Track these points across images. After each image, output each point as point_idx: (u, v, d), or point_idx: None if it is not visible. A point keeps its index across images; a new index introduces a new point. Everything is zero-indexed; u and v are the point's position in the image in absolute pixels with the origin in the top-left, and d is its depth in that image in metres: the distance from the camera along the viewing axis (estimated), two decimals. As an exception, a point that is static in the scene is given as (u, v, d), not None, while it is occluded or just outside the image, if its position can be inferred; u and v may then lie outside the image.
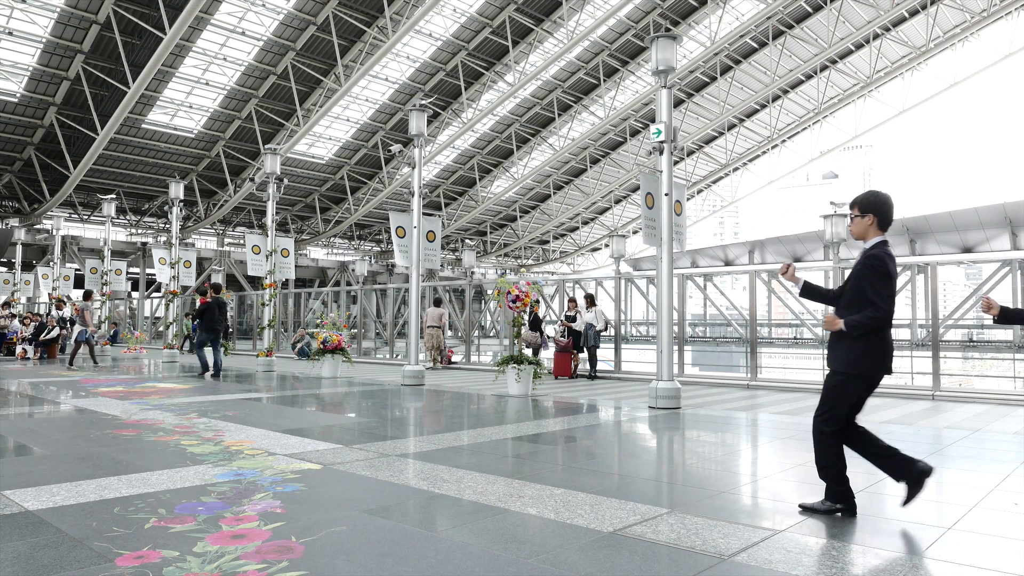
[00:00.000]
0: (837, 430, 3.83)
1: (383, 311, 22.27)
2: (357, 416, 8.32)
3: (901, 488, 3.88)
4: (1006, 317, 3.75)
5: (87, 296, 16.14)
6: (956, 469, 5.40)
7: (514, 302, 10.47)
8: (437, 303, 16.42)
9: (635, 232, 47.69)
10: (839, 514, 3.86)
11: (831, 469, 3.88)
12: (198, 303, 13.90)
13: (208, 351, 13.07)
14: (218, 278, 27.31)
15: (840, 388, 3.80)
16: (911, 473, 3.76)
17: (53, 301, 23.65)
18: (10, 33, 24.63)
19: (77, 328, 15.35)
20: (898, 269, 4.04)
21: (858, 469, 5.38)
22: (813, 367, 16.73)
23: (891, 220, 3.93)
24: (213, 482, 4.54)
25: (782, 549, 3.31)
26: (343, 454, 5.54)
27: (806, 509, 3.94)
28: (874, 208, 3.88)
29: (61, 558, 3.09)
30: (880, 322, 3.68)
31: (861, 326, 3.69)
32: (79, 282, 28.77)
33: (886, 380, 3.98)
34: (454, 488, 4.44)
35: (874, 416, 8.17)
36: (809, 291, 4.11)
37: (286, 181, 17.36)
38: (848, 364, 3.77)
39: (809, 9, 34.49)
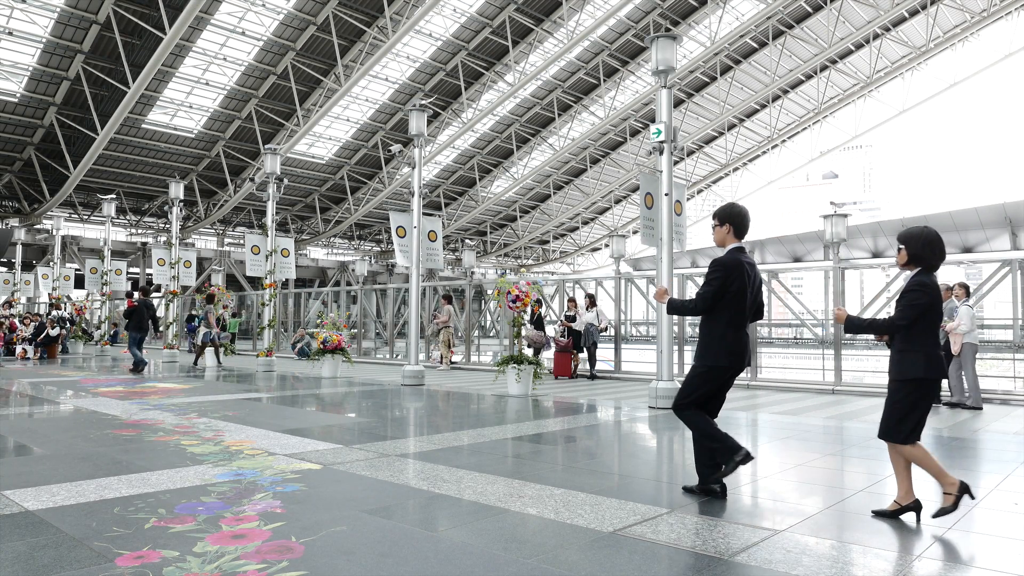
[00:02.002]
0: (693, 410, 4.25)
1: (383, 311, 22.27)
2: (357, 416, 8.32)
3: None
4: (852, 325, 3.96)
5: (210, 299, 16.63)
6: (956, 469, 5.39)
7: (514, 302, 10.47)
8: (448, 299, 16.35)
9: (635, 232, 47.67)
10: (737, 464, 4.10)
11: (711, 439, 4.21)
12: (126, 305, 15.13)
13: (135, 349, 14.12)
14: (218, 278, 27.25)
15: (691, 376, 4.27)
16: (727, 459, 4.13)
17: (52, 301, 23.69)
18: (10, 33, 24.63)
19: (203, 330, 16.06)
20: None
21: (858, 469, 5.38)
22: (813, 367, 16.72)
23: (746, 229, 4.36)
24: (213, 482, 4.54)
25: (782, 549, 3.31)
26: (343, 454, 5.54)
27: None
28: (730, 219, 4.32)
29: (61, 558, 3.09)
30: (687, 311, 4.32)
31: (674, 306, 4.38)
32: (79, 282, 28.79)
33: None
34: (454, 488, 4.44)
35: (874, 416, 8.17)
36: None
37: (286, 181, 17.36)
38: (701, 356, 4.23)
39: (809, 9, 34.49)
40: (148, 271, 34.84)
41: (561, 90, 37.14)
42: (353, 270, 34.17)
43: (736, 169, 48.26)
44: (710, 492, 4.23)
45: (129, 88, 25.04)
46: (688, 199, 39.99)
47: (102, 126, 26.92)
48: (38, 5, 23.85)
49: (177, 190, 19.13)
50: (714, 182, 49.98)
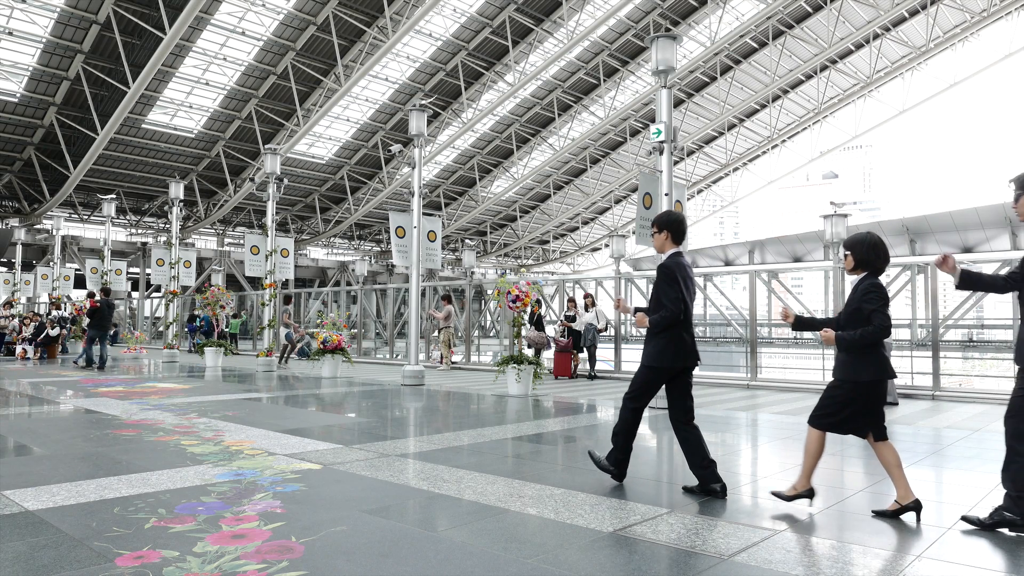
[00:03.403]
0: (640, 407, 4.52)
1: (383, 311, 22.27)
2: (357, 416, 8.32)
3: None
4: (800, 324, 4.19)
5: (287, 301, 16.95)
6: (956, 469, 5.39)
7: (514, 302, 10.47)
8: (448, 299, 16.35)
9: (635, 232, 47.61)
10: (610, 475, 4.56)
11: (620, 436, 4.56)
12: (88, 305, 15.84)
13: (95, 347, 14.72)
14: (218, 278, 27.26)
15: (644, 377, 4.50)
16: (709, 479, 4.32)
17: (52, 301, 23.69)
18: (10, 33, 24.63)
19: (284, 330, 16.91)
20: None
21: (858, 469, 5.38)
22: (813, 367, 16.72)
23: (684, 235, 4.63)
24: (213, 482, 4.54)
25: (782, 549, 3.32)
26: (343, 454, 5.54)
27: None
28: (668, 225, 4.59)
29: (61, 558, 3.09)
30: (671, 320, 4.35)
31: (657, 324, 4.40)
32: (79, 282, 28.81)
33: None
34: (454, 488, 4.44)
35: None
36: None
37: (286, 181, 17.36)
38: (651, 358, 4.45)
39: (809, 9, 34.49)
40: (148, 271, 34.87)
41: (561, 90, 37.15)
42: (353, 270, 34.17)
43: (736, 169, 48.27)
44: (711, 492, 4.30)
45: (129, 88, 25.05)
46: (688, 199, 39.92)
47: (102, 126, 26.93)
48: (38, 5, 23.86)
49: (177, 190, 19.13)
50: (714, 182, 49.99)
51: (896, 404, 9.44)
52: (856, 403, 3.88)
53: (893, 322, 3.92)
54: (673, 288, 4.36)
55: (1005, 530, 3.59)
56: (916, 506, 3.80)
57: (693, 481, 4.42)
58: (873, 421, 3.93)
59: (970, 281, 3.92)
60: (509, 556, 3.17)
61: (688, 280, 4.46)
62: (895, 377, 4.06)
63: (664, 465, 5.80)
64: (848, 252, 4.03)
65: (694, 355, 4.44)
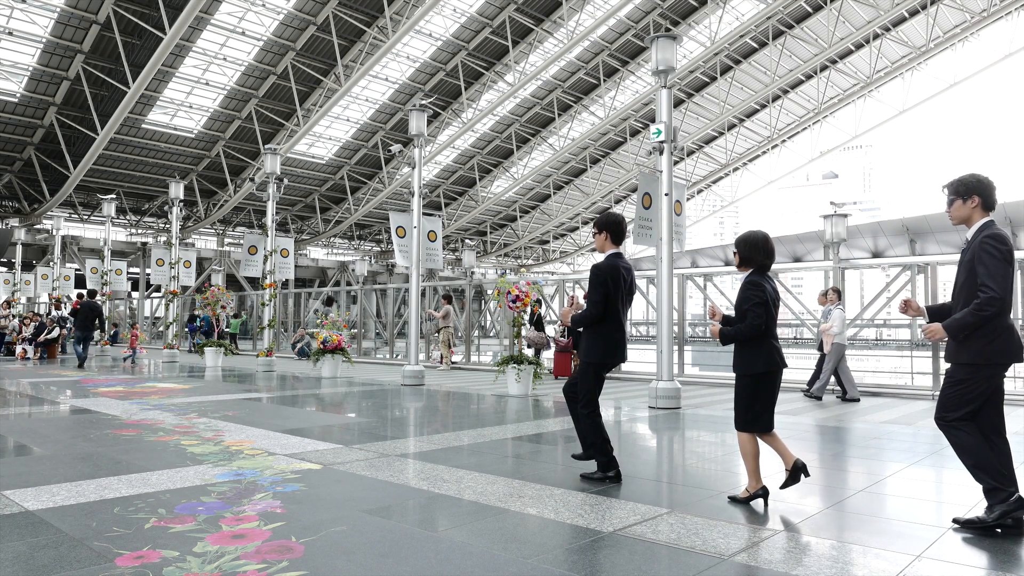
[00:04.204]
0: (594, 409, 4.64)
1: (383, 311, 22.27)
2: (357, 416, 8.32)
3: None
4: (725, 337, 4.21)
5: (328, 302, 17.20)
6: (956, 469, 5.38)
7: (514, 302, 10.46)
8: (448, 299, 16.35)
9: (633, 232, 47.59)
10: (609, 481, 4.54)
11: (596, 444, 4.62)
12: (71, 306, 16.65)
13: (80, 347, 15.38)
14: (218, 278, 27.30)
15: (585, 375, 4.65)
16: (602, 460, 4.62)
17: (52, 301, 23.67)
18: (10, 33, 24.63)
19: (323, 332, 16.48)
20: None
21: (858, 469, 5.38)
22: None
23: (623, 235, 4.79)
24: (213, 482, 4.54)
25: (782, 549, 3.32)
26: (343, 454, 5.54)
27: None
28: (607, 226, 4.75)
29: (61, 558, 3.09)
30: (588, 321, 4.62)
31: (575, 322, 4.77)
32: (79, 282, 28.77)
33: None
34: (454, 488, 4.44)
35: (873, 416, 8.18)
36: None
37: (286, 181, 17.37)
38: (587, 354, 4.66)
39: (809, 9, 34.49)
40: (148, 271, 34.87)
41: (561, 90, 37.14)
42: (353, 270, 34.18)
43: (736, 169, 48.27)
44: (605, 480, 4.60)
45: (129, 88, 25.05)
46: (688, 199, 39.94)
47: (102, 126, 26.93)
48: (38, 5, 23.86)
49: (177, 190, 19.13)
50: (714, 182, 49.99)
51: (857, 400, 9.63)
52: (761, 395, 4.05)
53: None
54: (597, 291, 4.54)
55: (999, 529, 3.59)
56: (764, 493, 4.08)
57: (704, 484, 4.41)
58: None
59: (941, 313, 3.87)
60: (509, 556, 3.17)
61: (621, 281, 4.58)
62: (785, 366, 4.17)
63: (664, 465, 5.80)
64: (735, 250, 4.23)
65: (623, 353, 4.69)
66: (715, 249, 40.11)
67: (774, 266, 4.26)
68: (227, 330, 22.27)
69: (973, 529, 3.58)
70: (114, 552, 3.17)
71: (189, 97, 30.48)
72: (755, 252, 4.14)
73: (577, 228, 52.87)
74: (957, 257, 3.91)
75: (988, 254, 3.51)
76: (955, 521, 3.71)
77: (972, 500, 4.26)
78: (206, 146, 33.70)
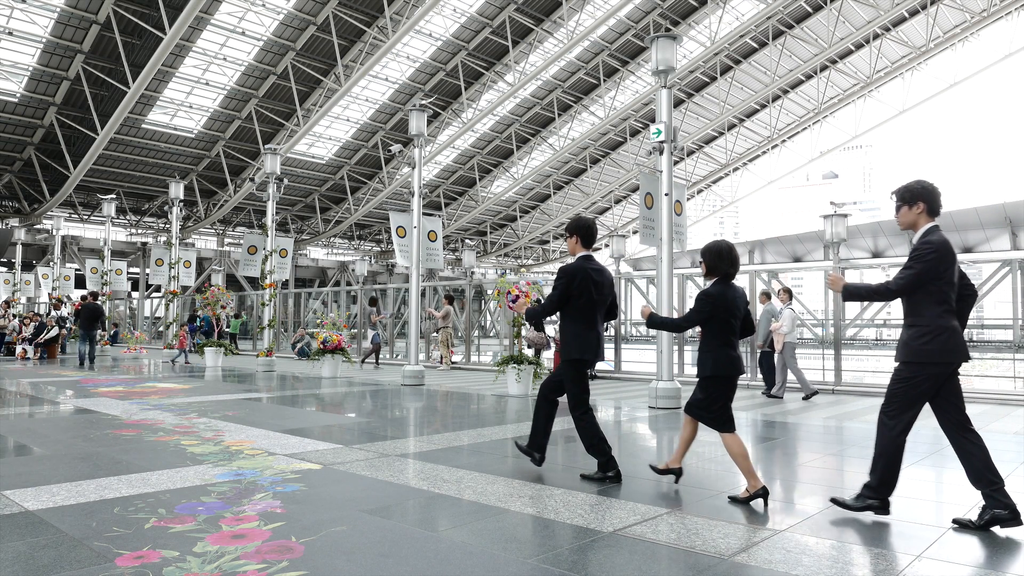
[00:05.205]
0: (586, 410, 4.78)
1: (383, 311, 22.24)
2: (357, 416, 8.32)
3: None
4: (653, 323, 4.56)
5: (372, 303, 17.19)
6: (956, 469, 5.38)
7: (514, 302, 10.45)
8: (449, 299, 16.34)
9: (635, 232, 47.66)
10: (609, 481, 4.61)
11: (594, 444, 4.73)
12: (73, 307, 17.45)
13: (84, 347, 15.76)
14: (218, 278, 27.27)
15: (567, 373, 4.81)
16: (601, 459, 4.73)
17: (52, 301, 23.66)
18: (10, 33, 24.63)
19: (371, 332, 16.84)
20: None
21: (859, 469, 5.38)
22: (813, 367, 16.70)
23: (594, 239, 4.94)
24: (213, 482, 4.54)
25: (782, 549, 3.31)
26: (343, 454, 5.54)
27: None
28: (578, 230, 4.89)
29: (61, 558, 3.09)
30: (537, 315, 5.08)
31: (527, 314, 5.19)
32: (79, 282, 28.79)
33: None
34: (454, 488, 4.44)
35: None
36: None
37: (286, 181, 17.36)
38: (564, 353, 4.81)
39: (809, 9, 34.49)
40: (148, 271, 34.89)
41: (561, 90, 37.14)
42: (353, 270, 34.17)
43: (736, 169, 48.26)
44: (604, 479, 4.70)
45: (129, 88, 25.04)
46: (688, 199, 39.89)
47: (102, 126, 26.92)
48: (38, 5, 23.86)
49: (177, 190, 19.14)
50: (714, 182, 49.98)
51: (816, 393, 9.93)
52: (718, 397, 4.25)
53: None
54: (555, 290, 4.76)
55: (996, 528, 3.59)
56: (765, 494, 4.08)
57: (697, 485, 4.41)
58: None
59: (855, 293, 3.96)
60: (509, 556, 3.17)
61: (590, 282, 4.72)
62: (742, 372, 4.36)
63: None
64: (702, 260, 4.42)
65: (596, 350, 4.80)
66: (716, 249, 40.01)
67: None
68: (227, 330, 22.28)
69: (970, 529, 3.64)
70: (114, 552, 3.17)
71: (189, 97, 30.47)
72: (720, 261, 4.33)
73: (577, 228, 52.79)
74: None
75: (914, 257, 3.73)
76: (955, 521, 3.74)
77: (972, 500, 4.26)
78: (206, 146, 33.70)
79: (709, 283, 4.34)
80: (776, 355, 10.03)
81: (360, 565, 3.04)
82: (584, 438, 4.76)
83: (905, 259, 3.91)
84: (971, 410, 9.11)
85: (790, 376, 10.02)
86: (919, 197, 3.84)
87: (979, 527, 3.60)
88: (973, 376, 18.49)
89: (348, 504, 4.04)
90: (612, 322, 13.35)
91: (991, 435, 6.89)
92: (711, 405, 4.27)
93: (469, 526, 3.65)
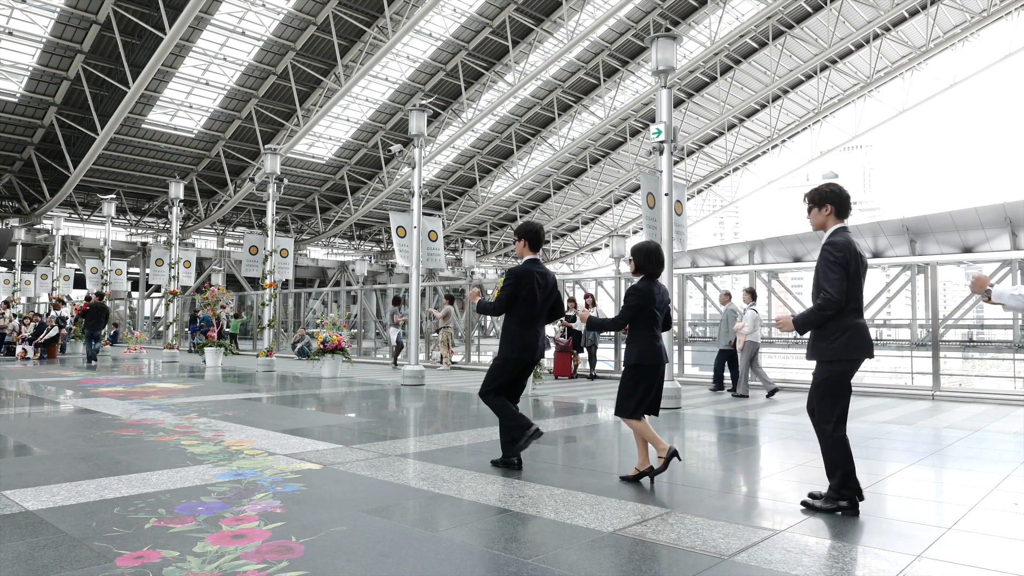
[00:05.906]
0: (495, 395, 5.01)
1: (383, 311, 22.25)
2: (357, 416, 8.32)
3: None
4: (591, 325, 4.85)
5: (396, 302, 17.28)
6: (956, 469, 5.40)
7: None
8: (450, 300, 16.34)
9: (635, 232, 47.72)
10: (514, 468, 4.92)
11: (502, 423, 5.00)
12: (81, 307, 17.94)
13: (91, 345, 16.14)
14: (218, 278, 27.30)
15: (493, 367, 5.09)
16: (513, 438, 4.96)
17: (52, 301, 23.67)
18: (10, 33, 24.63)
19: (395, 331, 16.61)
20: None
21: (861, 470, 5.37)
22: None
23: (540, 243, 5.16)
24: (213, 482, 4.54)
25: (782, 549, 3.31)
26: (343, 454, 5.54)
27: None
28: (525, 235, 5.12)
29: (61, 558, 3.09)
30: (488, 311, 5.23)
31: (477, 308, 5.40)
32: (79, 282, 28.80)
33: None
34: (454, 488, 4.44)
35: (873, 416, 8.18)
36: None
37: (286, 181, 17.35)
38: (499, 349, 5.09)
39: (809, 9, 34.49)
40: (148, 271, 34.89)
41: (561, 90, 37.14)
42: (353, 270, 34.19)
43: (736, 169, 48.25)
44: (510, 464, 4.97)
45: (129, 88, 25.04)
46: (688, 199, 39.84)
47: (102, 126, 26.92)
48: (38, 5, 23.85)
49: (177, 190, 19.11)
50: (714, 182, 49.97)
51: (777, 390, 10.23)
52: (642, 383, 4.53)
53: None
54: (503, 291, 5.00)
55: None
56: (651, 472, 4.50)
57: (694, 479, 4.41)
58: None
59: (807, 323, 4.03)
60: (509, 556, 3.17)
61: (535, 285, 4.96)
62: (666, 361, 4.73)
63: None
64: (631, 258, 4.73)
65: (533, 352, 5.03)
66: (715, 249, 40.06)
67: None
68: (227, 330, 22.28)
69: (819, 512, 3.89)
70: (114, 552, 3.17)
71: (189, 97, 30.47)
72: (648, 261, 4.66)
73: (577, 228, 52.86)
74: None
75: (824, 259, 3.85)
76: (803, 503, 4.01)
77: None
78: (206, 146, 33.70)
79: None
80: (739, 354, 10.38)
81: (360, 565, 3.04)
82: (500, 418, 5.00)
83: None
84: (971, 410, 9.15)
85: (751, 374, 10.41)
86: (827, 200, 4.02)
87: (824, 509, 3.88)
88: (973, 376, 18.50)
89: (348, 504, 4.04)
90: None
91: (991, 435, 6.89)
92: (634, 391, 4.53)
93: (469, 526, 3.65)
